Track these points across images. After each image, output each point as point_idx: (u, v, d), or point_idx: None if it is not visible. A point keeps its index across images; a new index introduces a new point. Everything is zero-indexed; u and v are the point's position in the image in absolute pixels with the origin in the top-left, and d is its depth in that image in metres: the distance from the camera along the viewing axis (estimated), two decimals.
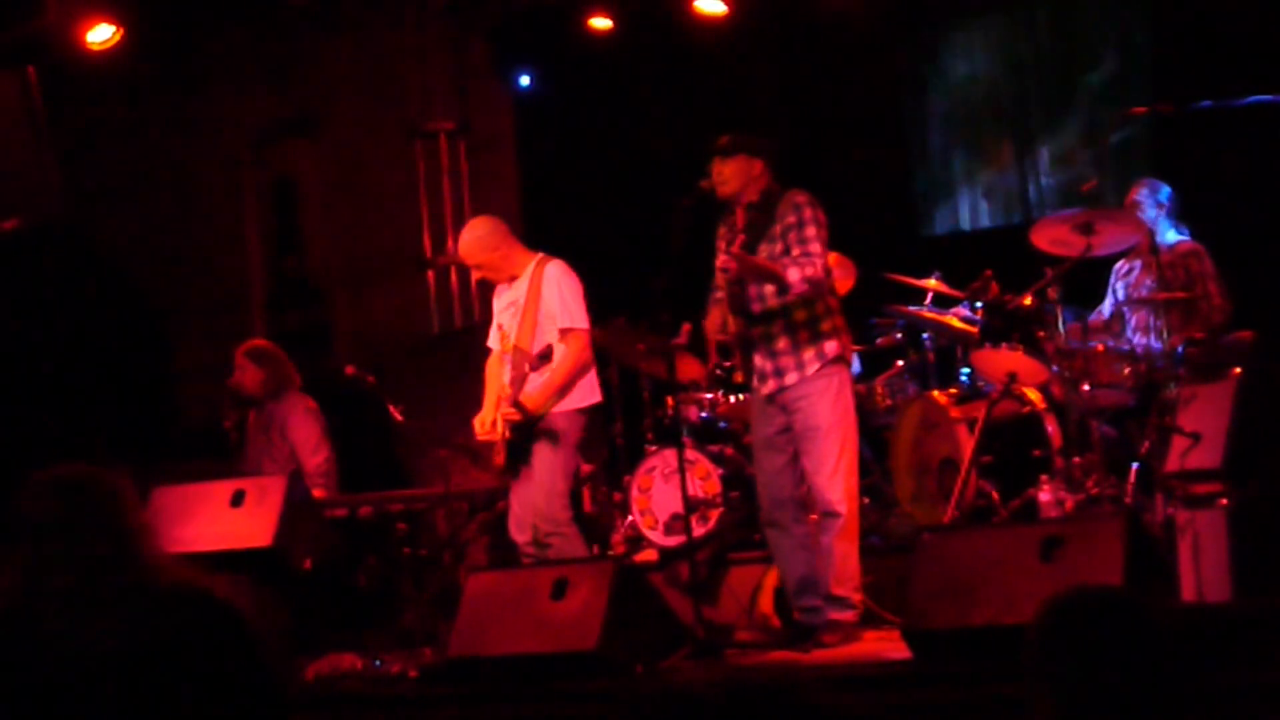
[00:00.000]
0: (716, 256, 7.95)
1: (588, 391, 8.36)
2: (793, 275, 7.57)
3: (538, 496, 8.24)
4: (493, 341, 8.59)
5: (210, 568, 8.43)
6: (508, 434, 8.24)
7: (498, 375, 8.48)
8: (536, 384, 8.26)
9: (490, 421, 8.35)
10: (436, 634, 8.29)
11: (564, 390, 8.25)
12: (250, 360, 10.27)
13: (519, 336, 8.34)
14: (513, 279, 8.46)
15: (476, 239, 8.48)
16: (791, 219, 7.68)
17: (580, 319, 8.31)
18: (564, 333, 8.27)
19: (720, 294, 7.99)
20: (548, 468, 8.24)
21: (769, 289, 7.74)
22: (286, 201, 13.73)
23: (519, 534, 8.35)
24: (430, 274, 12.92)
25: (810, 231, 7.64)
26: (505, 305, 8.50)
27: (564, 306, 8.29)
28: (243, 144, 13.52)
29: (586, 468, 10.48)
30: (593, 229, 12.45)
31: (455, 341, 12.16)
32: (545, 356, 8.11)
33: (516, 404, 8.18)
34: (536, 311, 8.30)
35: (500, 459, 8.31)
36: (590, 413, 8.45)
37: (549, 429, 8.24)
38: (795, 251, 7.60)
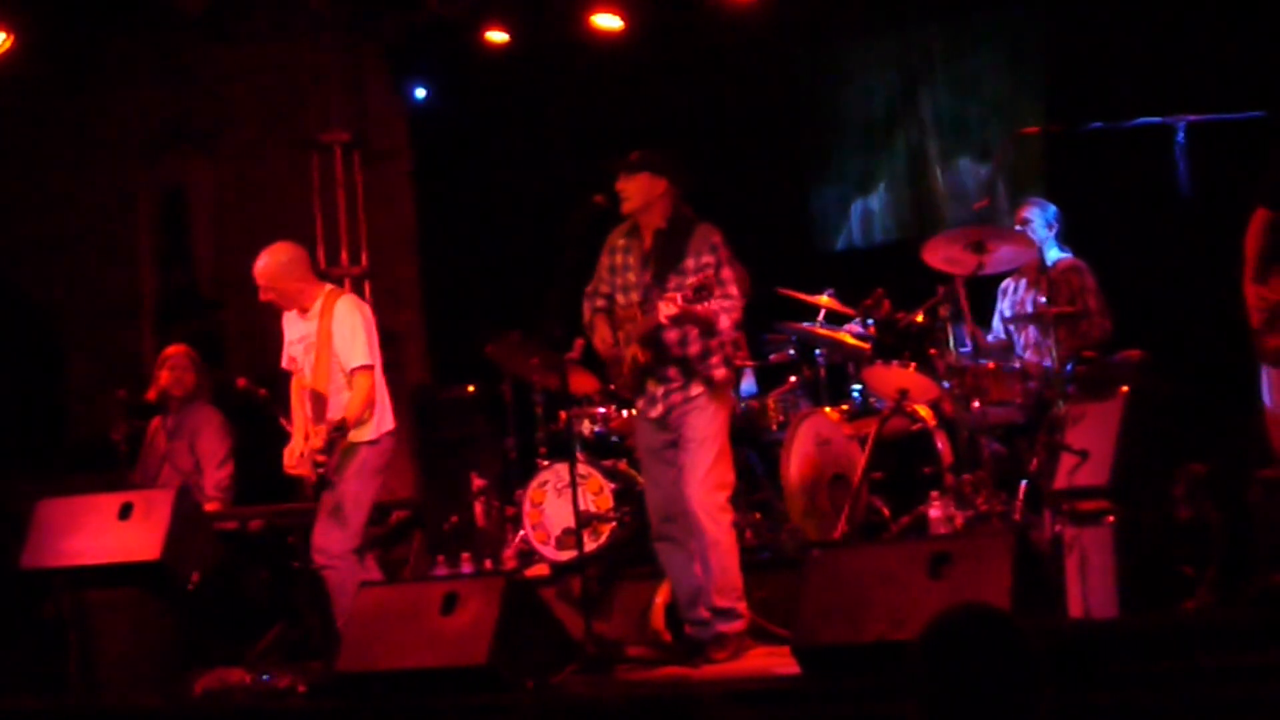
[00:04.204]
0: (615, 271, 7.94)
1: (380, 421, 8.20)
2: (723, 323, 7.73)
3: (317, 524, 8.14)
4: (288, 364, 8.44)
5: (97, 580, 8.40)
6: (320, 462, 8.04)
7: (302, 404, 8.33)
8: (341, 402, 8.12)
9: (299, 453, 8.19)
10: (325, 648, 8.23)
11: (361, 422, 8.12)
12: (191, 362, 10.18)
13: (315, 377, 8.19)
14: (304, 310, 8.33)
15: (279, 265, 8.31)
16: (708, 259, 7.72)
17: (365, 355, 8.16)
18: (353, 373, 8.14)
19: (601, 301, 7.99)
20: (336, 497, 8.11)
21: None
22: (179, 212, 13.59)
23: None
24: None
25: (727, 273, 7.74)
26: (298, 337, 8.35)
27: (351, 346, 8.16)
28: (135, 154, 13.36)
29: (479, 482, 10.46)
30: (487, 242, 12.44)
31: None
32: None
33: (338, 425, 8.01)
34: (329, 351, 8.18)
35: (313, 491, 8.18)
36: (387, 439, 8.24)
37: (348, 457, 8.12)
38: (716, 293, 7.63)
